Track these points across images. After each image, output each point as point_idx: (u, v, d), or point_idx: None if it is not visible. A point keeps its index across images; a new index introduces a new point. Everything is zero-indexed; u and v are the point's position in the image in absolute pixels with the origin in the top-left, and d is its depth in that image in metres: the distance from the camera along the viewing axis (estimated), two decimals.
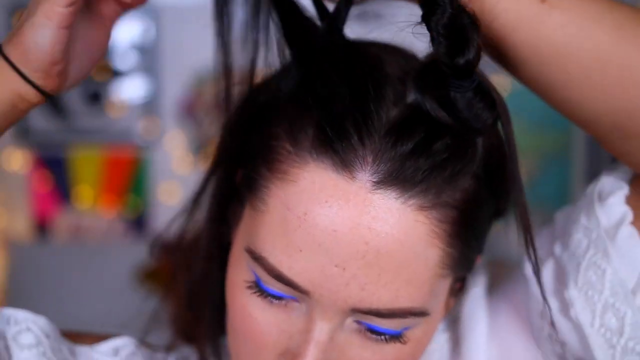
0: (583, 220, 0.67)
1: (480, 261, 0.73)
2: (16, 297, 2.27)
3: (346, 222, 0.59)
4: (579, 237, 0.67)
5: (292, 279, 0.61)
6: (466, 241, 0.63)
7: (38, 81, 0.61)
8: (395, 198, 0.59)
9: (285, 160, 0.62)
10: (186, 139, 2.28)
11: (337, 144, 0.60)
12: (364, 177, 0.59)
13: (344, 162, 0.59)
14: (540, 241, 0.69)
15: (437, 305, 0.65)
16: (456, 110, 0.59)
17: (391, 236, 0.59)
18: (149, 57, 2.22)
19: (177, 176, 2.27)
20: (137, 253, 2.39)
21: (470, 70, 0.57)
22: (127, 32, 2.22)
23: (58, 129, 2.33)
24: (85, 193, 2.32)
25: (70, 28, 0.60)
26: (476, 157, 0.62)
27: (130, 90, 2.29)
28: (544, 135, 1.90)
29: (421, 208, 0.60)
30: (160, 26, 2.21)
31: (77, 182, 2.31)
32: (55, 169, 2.32)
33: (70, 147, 2.32)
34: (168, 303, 0.75)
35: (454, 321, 0.77)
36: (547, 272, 0.69)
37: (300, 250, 0.60)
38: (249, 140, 0.67)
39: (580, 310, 0.66)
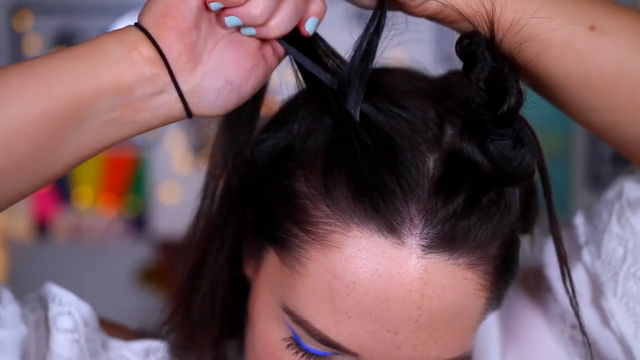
0: (615, 228, 0.67)
1: None
2: (16, 297, 2.26)
3: (398, 290, 0.57)
4: (612, 246, 0.67)
5: (340, 344, 0.59)
6: (506, 281, 0.63)
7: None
8: (445, 260, 0.58)
9: (322, 223, 0.59)
10: (186, 139, 2.27)
11: (380, 206, 0.57)
12: (413, 241, 0.57)
13: (390, 226, 0.57)
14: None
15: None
16: (500, 159, 0.57)
17: (443, 298, 0.58)
18: None
19: (177, 176, 2.27)
20: (137, 253, 2.40)
21: (512, 118, 0.56)
22: None
23: None
24: (85, 193, 2.32)
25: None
26: (517, 204, 0.61)
27: None
28: (544, 135, 1.90)
29: (470, 265, 0.59)
30: None
31: (77, 182, 2.31)
32: None
33: None
34: (169, 312, 0.74)
35: None
36: (579, 280, 0.68)
37: (349, 317, 0.58)
38: (264, 187, 0.64)
39: (621, 322, 0.66)
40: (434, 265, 0.57)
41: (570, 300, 0.63)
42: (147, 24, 0.56)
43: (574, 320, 0.69)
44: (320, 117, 0.61)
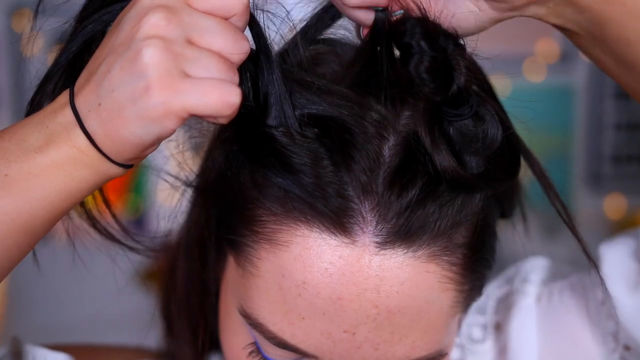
0: None
1: (530, 267, 0.70)
2: (16, 297, 2.26)
3: (351, 289, 0.55)
4: None
5: (296, 346, 0.57)
6: (478, 271, 0.60)
7: (126, 161, 0.55)
8: (402, 254, 0.55)
9: (269, 222, 0.57)
10: (186, 139, 2.27)
11: (329, 203, 0.54)
12: (366, 239, 0.55)
13: (340, 223, 0.54)
14: (622, 251, 0.67)
15: (452, 338, 0.62)
16: (461, 141, 0.55)
17: (402, 294, 0.55)
18: None
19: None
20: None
21: (466, 96, 0.54)
22: None
23: None
24: None
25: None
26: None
27: None
28: (544, 135, 1.90)
29: (431, 257, 0.56)
30: None
31: None
32: None
33: None
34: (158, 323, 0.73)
35: (496, 328, 0.73)
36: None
37: (303, 318, 0.56)
38: (219, 187, 0.62)
39: None
40: (390, 261, 0.55)
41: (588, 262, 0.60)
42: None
43: (629, 341, 0.66)
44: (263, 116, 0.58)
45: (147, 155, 0.56)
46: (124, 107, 0.50)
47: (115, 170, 0.55)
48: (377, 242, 0.55)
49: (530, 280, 0.73)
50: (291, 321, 0.56)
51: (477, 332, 0.72)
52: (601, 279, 0.67)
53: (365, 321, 0.55)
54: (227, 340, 0.63)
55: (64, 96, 0.54)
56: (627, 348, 0.67)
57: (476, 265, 0.59)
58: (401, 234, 0.55)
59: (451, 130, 0.55)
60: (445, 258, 0.57)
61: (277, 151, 0.55)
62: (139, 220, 2.31)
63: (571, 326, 0.70)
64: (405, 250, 0.55)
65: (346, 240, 0.55)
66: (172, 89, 0.49)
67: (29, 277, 2.40)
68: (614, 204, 2.05)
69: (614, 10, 0.54)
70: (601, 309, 0.68)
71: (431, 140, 0.54)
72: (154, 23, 0.49)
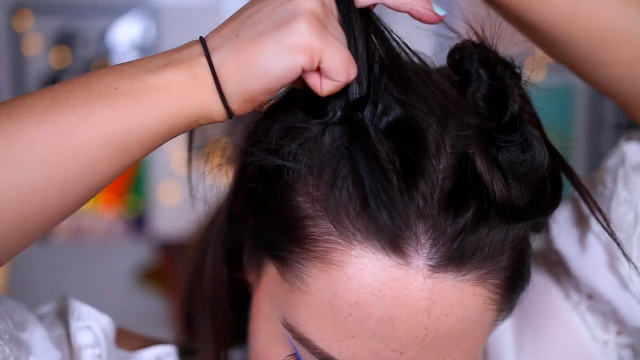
0: (622, 193, 0.66)
1: None
2: (16, 297, 2.26)
3: (403, 311, 0.55)
4: (622, 210, 0.66)
5: None
6: (518, 290, 0.61)
7: (234, 106, 0.54)
8: (453, 277, 0.55)
9: (322, 241, 0.56)
10: (186, 139, 2.27)
11: (385, 224, 0.54)
12: (420, 262, 0.55)
13: (395, 245, 0.54)
14: (565, 215, 0.69)
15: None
16: (509, 167, 0.56)
17: (451, 316, 0.56)
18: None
19: (177, 176, 2.27)
20: (137, 253, 2.39)
21: (517, 124, 0.55)
22: (127, 32, 2.22)
23: None
24: None
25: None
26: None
27: None
28: None
29: (478, 280, 0.56)
30: (160, 26, 2.20)
31: None
32: None
33: None
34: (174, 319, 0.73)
35: None
36: (593, 249, 0.68)
37: (352, 337, 0.56)
38: (262, 194, 0.61)
39: None
40: (441, 284, 0.55)
41: (608, 232, 0.60)
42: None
43: (589, 289, 0.68)
44: (327, 131, 0.58)
45: (258, 103, 0.55)
46: (265, 33, 0.53)
47: (219, 112, 0.54)
48: (430, 265, 0.55)
49: None
50: (340, 339, 0.56)
51: None
52: (551, 238, 0.71)
53: (414, 342, 0.56)
54: (262, 348, 0.62)
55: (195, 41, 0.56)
56: (589, 297, 0.69)
57: (516, 286, 0.60)
58: (454, 258, 0.55)
59: (499, 156, 0.56)
60: (491, 281, 0.57)
61: (361, 157, 0.55)
62: (139, 220, 2.32)
63: (537, 291, 0.71)
64: (456, 274, 0.55)
65: (400, 262, 0.55)
66: (318, 28, 0.52)
67: (29, 277, 2.40)
68: None
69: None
70: (558, 267, 0.71)
71: (487, 166, 0.55)
72: None
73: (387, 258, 0.55)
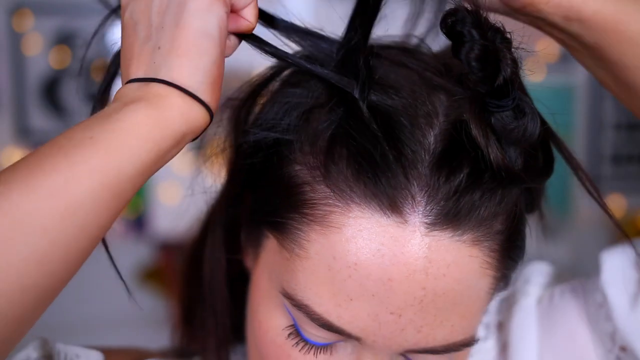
0: None
1: (532, 270, 0.72)
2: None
3: (401, 270, 0.56)
4: None
5: (341, 327, 0.57)
6: (514, 258, 0.62)
7: (205, 97, 0.54)
8: (449, 237, 0.56)
9: (320, 205, 0.58)
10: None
11: (381, 184, 0.55)
12: (416, 219, 0.56)
13: (392, 204, 0.56)
14: (622, 266, 0.69)
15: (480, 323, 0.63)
16: (502, 132, 0.56)
17: (448, 276, 0.56)
18: None
19: (177, 176, 2.27)
20: (137, 253, 2.39)
21: (509, 88, 0.56)
22: None
23: (58, 129, 2.33)
24: None
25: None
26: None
27: None
28: None
29: (475, 242, 0.57)
30: None
31: None
32: None
33: None
34: (172, 315, 0.74)
35: (498, 328, 0.74)
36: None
37: (351, 300, 0.57)
38: (260, 168, 0.63)
39: None
40: (438, 243, 0.56)
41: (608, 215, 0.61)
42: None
43: (625, 343, 0.68)
44: (322, 103, 0.60)
45: (222, 78, 0.56)
46: (179, 18, 0.54)
47: (197, 112, 0.54)
48: (426, 223, 0.56)
49: (532, 282, 0.75)
50: (338, 303, 0.57)
51: (480, 331, 0.73)
52: (601, 285, 0.69)
53: (412, 303, 0.56)
54: (260, 323, 0.63)
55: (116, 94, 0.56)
56: (622, 349, 0.69)
57: (512, 252, 0.61)
58: (449, 216, 0.56)
59: (492, 121, 0.56)
60: (487, 244, 0.58)
61: (353, 126, 0.56)
62: (139, 220, 2.32)
63: (570, 326, 0.71)
64: (452, 234, 0.56)
65: (398, 220, 0.56)
66: None
67: None
68: (614, 204, 2.05)
69: (612, 37, 0.58)
70: (600, 311, 0.70)
71: (481, 130, 0.56)
72: None
73: (384, 218, 0.56)
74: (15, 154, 2.32)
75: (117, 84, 0.61)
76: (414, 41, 0.68)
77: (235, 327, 0.71)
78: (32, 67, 2.26)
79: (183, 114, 0.54)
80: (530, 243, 0.72)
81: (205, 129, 0.56)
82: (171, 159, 0.56)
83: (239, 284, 0.69)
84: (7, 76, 2.29)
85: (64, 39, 2.23)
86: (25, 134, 2.32)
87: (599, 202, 0.62)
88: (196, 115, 0.54)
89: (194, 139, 0.57)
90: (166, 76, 0.54)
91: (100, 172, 0.50)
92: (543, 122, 0.59)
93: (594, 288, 0.71)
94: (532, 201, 0.66)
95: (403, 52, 0.64)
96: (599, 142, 2.07)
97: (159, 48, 0.54)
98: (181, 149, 0.56)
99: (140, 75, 0.55)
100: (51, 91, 2.29)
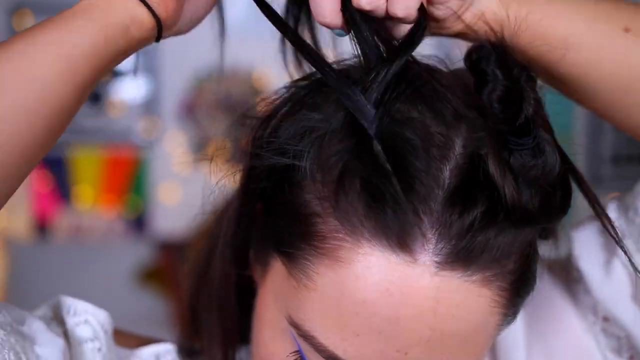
0: None
1: None
2: (16, 297, 2.27)
3: (409, 310, 0.55)
4: None
5: None
6: (522, 296, 0.61)
7: (154, 4, 0.60)
8: (459, 277, 0.55)
9: (330, 238, 0.56)
10: (186, 139, 2.27)
11: (391, 221, 0.54)
12: (427, 257, 0.55)
13: (402, 242, 0.54)
14: (591, 237, 0.69)
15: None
16: (520, 170, 0.55)
17: (456, 317, 0.56)
18: (149, 57, 2.22)
19: (177, 176, 2.27)
20: (137, 253, 2.39)
21: (531, 127, 0.55)
22: None
23: None
24: (85, 193, 2.32)
25: None
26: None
27: (130, 90, 2.29)
28: None
29: (485, 282, 0.56)
30: None
31: (77, 182, 2.31)
32: (55, 169, 2.32)
33: (70, 147, 2.32)
34: (176, 320, 0.73)
35: None
36: (618, 277, 0.67)
37: (358, 335, 0.56)
38: (271, 193, 0.61)
39: None
40: (448, 283, 0.55)
41: (616, 239, 0.60)
42: None
43: (606, 312, 0.68)
44: (335, 129, 0.58)
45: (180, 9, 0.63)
46: None
47: (142, 16, 0.61)
48: (436, 262, 0.55)
49: None
50: (345, 337, 0.56)
51: None
52: (574, 260, 0.70)
53: (418, 342, 0.55)
54: (265, 344, 0.62)
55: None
56: (605, 319, 0.69)
57: (522, 290, 0.60)
58: (460, 256, 0.55)
59: (511, 159, 0.55)
60: (497, 284, 0.57)
61: (364, 159, 0.55)
62: (139, 220, 2.32)
63: (554, 305, 0.71)
64: (462, 274, 0.55)
65: (407, 259, 0.55)
66: None
67: (28, 277, 2.40)
68: None
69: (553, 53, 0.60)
70: (578, 286, 0.70)
71: (499, 168, 0.54)
72: None
73: (394, 256, 0.54)
74: None
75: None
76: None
77: (241, 330, 0.70)
78: None
79: (131, 11, 0.60)
80: None
81: (156, 39, 0.63)
82: (124, 54, 0.61)
83: (247, 292, 0.68)
84: None
85: None
86: None
87: (613, 237, 0.61)
88: (141, 17, 0.60)
89: (145, 44, 0.62)
90: None
91: (54, 44, 0.57)
92: (564, 159, 0.58)
93: (569, 266, 0.71)
94: (546, 230, 0.64)
95: (426, 71, 0.61)
96: (599, 142, 2.07)
97: None
98: (133, 47, 0.62)
99: None
100: None
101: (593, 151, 2.08)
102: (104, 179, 2.32)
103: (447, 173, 0.55)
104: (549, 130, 0.58)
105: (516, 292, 0.59)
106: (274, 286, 0.61)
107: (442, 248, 0.54)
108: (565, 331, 0.71)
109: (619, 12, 0.60)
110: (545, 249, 0.69)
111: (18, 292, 2.27)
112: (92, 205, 2.32)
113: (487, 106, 0.55)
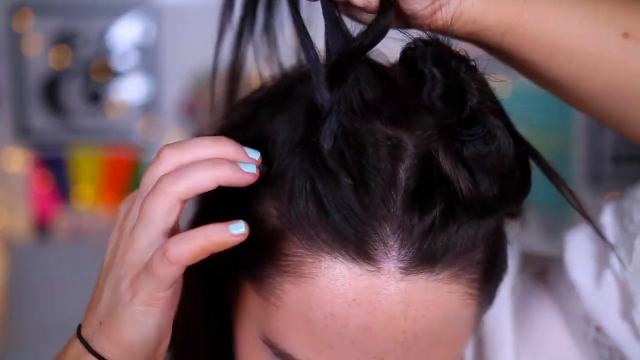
0: None
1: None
2: (16, 297, 2.27)
3: (380, 318, 0.54)
4: None
5: None
6: (495, 281, 0.60)
7: None
8: (425, 278, 0.54)
9: (291, 254, 0.55)
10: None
11: (348, 232, 0.53)
12: (391, 264, 0.54)
13: (363, 252, 0.53)
14: (583, 247, 0.67)
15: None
16: (475, 160, 0.55)
17: (428, 317, 0.55)
18: (149, 57, 2.22)
19: None
20: None
21: (478, 116, 0.54)
22: (127, 32, 2.22)
23: (58, 129, 2.33)
24: (85, 193, 2.32)
25: (173, 309, 0.55)
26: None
27: (130, 90, 2.29)
28: (544, 135, 1.90)
29: (453, 277, 0.55)
30: (160, 26, 2.20)
31: (77, 182, 2.31)
32: (55, 169, 2.32)
33: (70, 147, 2.32)
34: None
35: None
36: (608, 289, 0.65)
37: (332, 347, 0.55)
38: (232, 202, 0.59)
39: None
40: (415, 286, 0.54)
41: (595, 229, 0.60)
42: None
43: (599, 323, 0.66)
44: (284, 143, 0.57)
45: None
46: (115, 311, 0.55)
47: None
48: (401, 268, 0.54)
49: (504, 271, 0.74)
50: (320, 350, 0.56)
51: None
52: (565, 267, 0.68)
53: (393, 347, 0.55)
54: None
55: (73, 336, 0.58)
56: (598, 329, 0.67)
57: (493, 277, 0.59)
58: (425, 257, 0.54)
59: (464, 151, 0.55)
60: (467, 276, 0.56)
61: (315, 167, 0.54)
62: None
63: (543, 312, 0.70)
64: (428, 275, 0.54)
65: (371, 269, 0.54)
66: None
67: (28, 277, 2.40)
68: None
69: (515, 36, 0.57)
70: (570, 292, 0.69)
71: (451, 163, 0.54)
72: None
73: (357, 267, 0.54)
74: (15, 153, 2.32)
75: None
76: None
77: (223, 351, 0.69)
78: (32, 67, 2.26)
79: None
80: (531, 242, 0.71)
81: None
82: None
83: (221, 309, 0.68)
84: (7, 76, 2.29)
85: (64, 39, 2.23)
86: (25, 134, 2.32)
87: (579, 209, 0.60)
88: None
89: None
90: (103, 347, 0.55)
91: None
92: (519, 142, 0.57)
93: (561, 271, 0.69)
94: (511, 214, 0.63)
95: (373, 68, 0.58)
96: (599, 142, 2.07)
97: (100, 323, 0.56)
98: None
99: (89, 332, 0.57)
100: (51, 91, 2.30)
101: (593, 151, 2.08)
102: (103, 179, 2.32)
103: (402, 175, 0.54)
104: (500, 113, 0.57)
105: (487, 280, 0.58)
106: (245, 308, 0.61)
107: (405, 253, 0.54)
108: (554, 340, 0.70)
109: (618, 14, 0.59)
110: (542, 246, 0.68)
111: (18, 292, 2.27)
112: (92, 205, 2.32)
113: (429, 106, 0.54)
